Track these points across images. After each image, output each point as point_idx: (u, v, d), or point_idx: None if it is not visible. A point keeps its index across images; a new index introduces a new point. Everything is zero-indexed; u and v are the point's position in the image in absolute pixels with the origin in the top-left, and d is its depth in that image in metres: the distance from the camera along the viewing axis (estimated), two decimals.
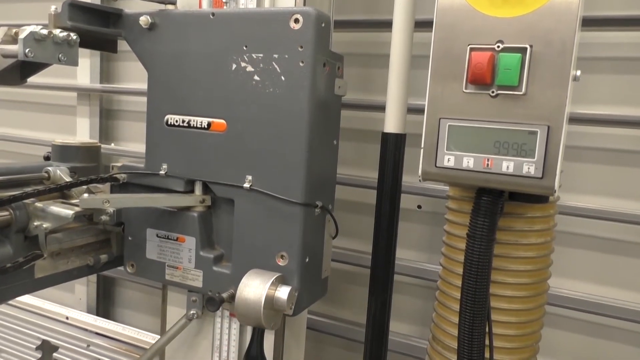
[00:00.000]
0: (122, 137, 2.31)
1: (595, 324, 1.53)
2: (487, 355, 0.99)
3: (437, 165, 0.90)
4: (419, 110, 1.47)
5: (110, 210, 1.32)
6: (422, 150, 0.93)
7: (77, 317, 2.11)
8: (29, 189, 1.21)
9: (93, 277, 2.32)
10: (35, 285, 1.29)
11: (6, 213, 1.18)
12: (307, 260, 1.25)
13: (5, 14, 2.46)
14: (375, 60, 1.72)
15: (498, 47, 0.83)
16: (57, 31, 1.20)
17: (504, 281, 1.01)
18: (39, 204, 1.22)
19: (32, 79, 1.33)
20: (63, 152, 1.56)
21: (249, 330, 1.37)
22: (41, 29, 1.17)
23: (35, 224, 1.21)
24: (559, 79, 0.80)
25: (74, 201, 1.31)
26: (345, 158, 1.75)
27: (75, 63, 1.27)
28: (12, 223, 1.19)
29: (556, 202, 1.03)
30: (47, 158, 1.60)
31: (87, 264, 1.39)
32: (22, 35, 1.14)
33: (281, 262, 1.23)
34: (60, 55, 1.22)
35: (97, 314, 2.26)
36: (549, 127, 0.80)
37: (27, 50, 1.14)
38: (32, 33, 1.15)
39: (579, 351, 1.56)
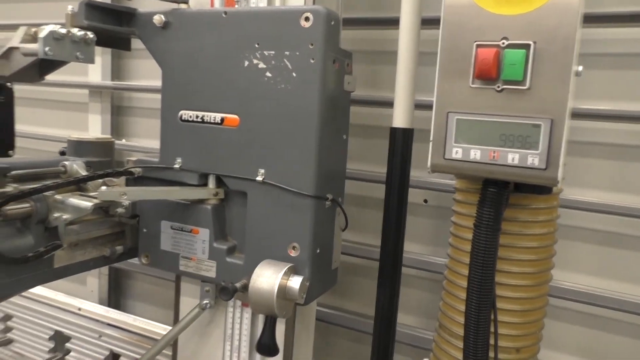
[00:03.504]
0: (132, 133, 2.35)
1: (596, 316, 1.56)
2: (491, 342, 1.03)
3: (446, 157, 0.94)
4: (425, 106, 1.51)
5: (126, 203, 1.36)
6: (430, 143, 0.96)
7: (89, 308, 2.15)
8: (48, 182, 1.26)
9: (105, 270, 2.37)
10: (54, 275, 1.33)
11: (27, 205, 1.22)
12: (318, 251, 1.29)
13: (22, 13, 2.49)
14: (382, 57, 1.76)
15: (503, 43, 0.86)
16: (75, 30, 1.24)
17: (508, 270, 1.04)
18: (58, 197, 1.27)
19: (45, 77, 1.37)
20: (78, 147, 1.61)
21: (260, 320, 1.41)
22: (60, 28, 1.21)
23: (55, 215, 1.26)
24: (562, 74, 0.84)
25: (91, 194, 1.35)
26: (352, 153, 1.79)
27: (91, 61, 1.32)
28: (33, 214, 1.23)
29: (559, 193, 1.07)
30: (62, 153, 1.65)
31: (103, 255, 1.44)
32: (41, 35, 1.19)
33: (293, 253, 1.27)
34: (77, 54, 1.27)
35: (109, 306, 2.31)
36: (552, 120, 0.84)
37: (46, 49, 1.19)
38: (51, 32, 1.20)
39: (580, 343, 1.60)
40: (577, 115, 1.47)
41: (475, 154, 0.89)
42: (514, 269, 1.04)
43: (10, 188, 1.26)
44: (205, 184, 1.38)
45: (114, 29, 1.37)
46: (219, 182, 1.37)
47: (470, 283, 0.98)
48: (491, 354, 1.02)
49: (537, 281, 1.07)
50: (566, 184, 1.49)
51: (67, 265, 1.36)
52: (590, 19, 1.45)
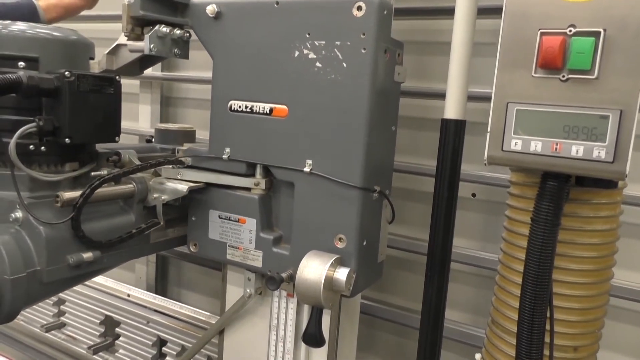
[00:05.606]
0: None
1: None
2: (547, 339, 1.00)
3: (504, 149, 0.91)
4: (476, 98, 1.47)
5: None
6: (488, 134, 0.93)
7: (138, 295, 2.21)
8: (144, 163, 1.39)
9: (152, 257, 2.43)
10: (150, 249, 1.48)
11: (131, 185, 1.34)
12: (364, 243, 1.28)
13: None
14: (430, 47, 1.72)
15: (570, 31, 0.83)
16: (175, 29, 1.36)
17: (566, 267, 1.01)
18: (157, 179, 1.40)
19: None
20: (164, 135, 1.71)
21: (305, 311, 1.42)
22: (162, 27, 1.34)
23: (154, 195, 1.38)
24: (633, 64, 0.79)
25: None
26: (399, 145, 1.77)
27: (186, 57, 1.45)
28: (135, 194, 1.35)
29: (623, 189, 1.02)
30: (149, 141, 1.73)
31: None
32: (147, 33, 1.32)
33: (339, 245, 1.26)
34: (175, 50, 1.40)
35: (156, 293, 2.37)
36: (621, 112, 0.80)
37: (151, 46, 1.32)
38: (155, 31, 1.33)
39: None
40: None
41: (536, 145, 0.86)
42: (573, 266, 1.00)
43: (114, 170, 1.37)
44: (253, 174, 1.38)
45: (168, 20, 1.39)
46: (267, 172, 1.37)
47: (525, 279, 0.95)
48: (546, 352, 0.99)
49: (597, 279, 1.02)
50: (630, 180, 1.43)
51: (162, 241, 1.48)
52: None
